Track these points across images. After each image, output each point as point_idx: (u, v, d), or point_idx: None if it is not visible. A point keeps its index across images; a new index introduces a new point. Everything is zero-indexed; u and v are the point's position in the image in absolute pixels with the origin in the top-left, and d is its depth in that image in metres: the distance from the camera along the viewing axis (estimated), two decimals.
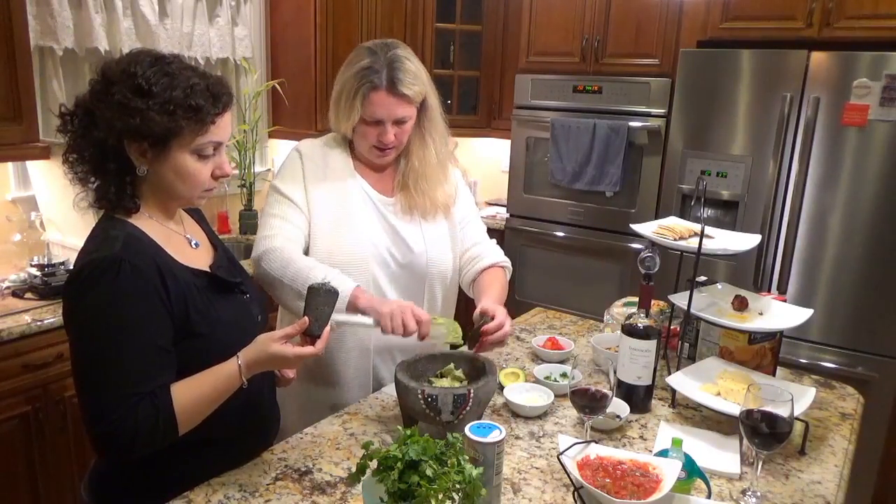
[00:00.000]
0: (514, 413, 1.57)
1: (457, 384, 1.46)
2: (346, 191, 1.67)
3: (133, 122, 1.13)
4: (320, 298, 1.22)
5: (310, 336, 1.22)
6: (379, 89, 1.56)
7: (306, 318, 1.21)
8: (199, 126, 1.18)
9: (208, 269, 1.30)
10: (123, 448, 1.14)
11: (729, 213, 2.99)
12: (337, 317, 1.36)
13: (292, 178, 1.67)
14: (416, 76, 1.60)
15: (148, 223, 1.24)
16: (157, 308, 1.16)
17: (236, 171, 3.26)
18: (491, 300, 1.63)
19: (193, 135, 1.18)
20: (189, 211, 1.41)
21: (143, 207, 1.24)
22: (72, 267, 1.23)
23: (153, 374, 1.15)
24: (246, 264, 1.61)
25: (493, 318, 1.55)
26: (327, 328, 1.23)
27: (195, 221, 1.42)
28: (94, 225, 1.25)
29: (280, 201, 1.64)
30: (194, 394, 1.18)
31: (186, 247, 1.31)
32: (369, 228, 1.66)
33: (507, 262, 1.84)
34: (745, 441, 1.26)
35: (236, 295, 1.34)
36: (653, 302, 1.70)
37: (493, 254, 1.82)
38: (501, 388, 1.62)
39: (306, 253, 1.62)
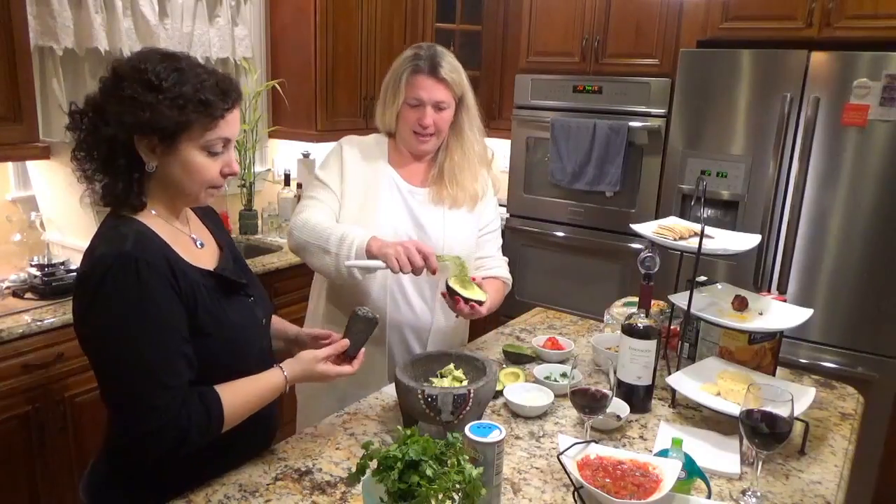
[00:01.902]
0: (514, 413, 1.57)
1: (457, 384, 1.46)
2: (377, 179, 1.80)
3: (143, 116, 1.13)
4: (360, 325, 1.38)
5: (346, 356, 1.37)
6: (421, 71, 1.72)
7: (346, 340, 1.37)
8: (209, 120, 1.18)
9: (213, 270, 1.30)
10: (174, 444, 1.16)
11: (729, 213, 2.99)
12: (349, 262, 1.58)
13: (330, 167, 1.82)
14: (456, 69, 1.77)
15: (155, 221, 1.24)
16: (175, 301, 1.18)
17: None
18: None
19: (202, 129, 1.18)
20: (201, 210, 1.41)
21: (149, 205, 1.24)
22: (79, 265, 1.22)
23: (183, 366, 1.18)
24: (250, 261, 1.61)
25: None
26: (362, 350, 1.39)
27: (201, 222, 1.42)
28: (100, 223, 1.25)
29: (316, 185, 1.82)
30: (240, 398, 1.25)
31: (192, 246, 1.31)
32: (392, 215, 1.78)
33: (509, 279, 1.95)
34: (745, 441, 1.26)
35: (241, 297, 1.35)
36: (653, 302, 1.70)
37: (499, 268, 1.94)
38: (501, 388, 1.62)
39: None
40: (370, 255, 1.57)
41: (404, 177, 1.83)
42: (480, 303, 1.65)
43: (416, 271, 1.54)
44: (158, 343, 1.15)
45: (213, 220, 1.46)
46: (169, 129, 1.15)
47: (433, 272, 1.57)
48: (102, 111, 1.16)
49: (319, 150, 3.59)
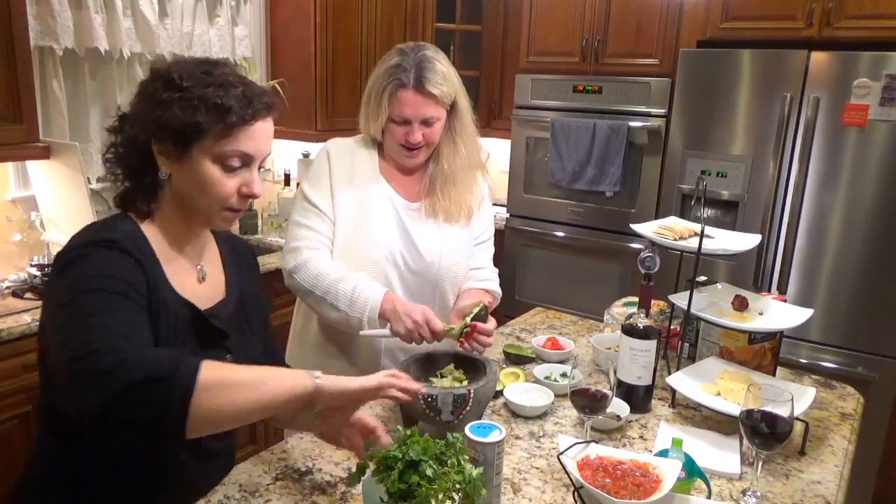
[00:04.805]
0: (514, 413, 1.57)
1: (457, 384, 1.46)
2: (369, 195, 1.67)
3: (155, 114, 1.08)
4: None
5: None
6: (406, 88, 1.57)
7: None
8: (223, 129, 1.08)
9: (199, 308, 1.17)
10: (127, 384, 0.89)
11: (729, 213, 2.99)
12: (363, 333, 1.54)
13: (319, 181, 1.68)
14: (446, 77, 1.60)
15: (155, 234, 1.15)
16: (141, 303, 1.05)
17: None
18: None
19: (215, 138, 1.09)
20: (230, 245, 1.33)
21: (159, 218, 1.16)
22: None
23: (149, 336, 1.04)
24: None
25: (487, 310, 1.54)
26: None
27: (222, 257, 1.30)
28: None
29: (306, 209, 1.66)
30: (228, 371, 0.99)
31: (190, 276, 1.20)
32: (386, 233, 1.67)
33: (498, 293, 1.84)
34: (745, 441, 1.26)
35: (216, 351, 1.19)
36: (653, 302, 1.70)
37: (488, 280, 1.82)
38: (501, 388, 1.62)
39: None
40: (382, 318, 1.53)
41: (398, 190, 1.71)
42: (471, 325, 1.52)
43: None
44: (122, 308, 1.01)
45: (239, 260, 1.34)
46: (179, 130, 1.07)
47: (439, 340, 1.53)
48: (130, 112, 1.14)
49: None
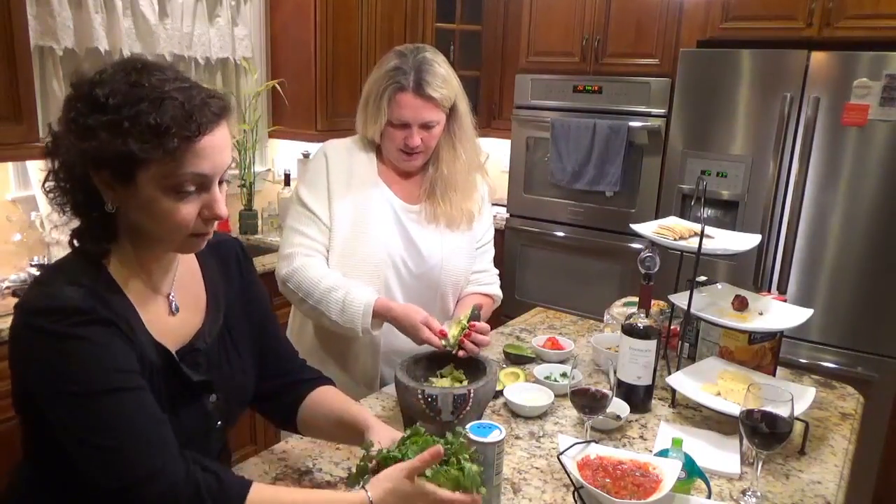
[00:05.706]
0: (514, 413, 1.57)
1: (457, 384, 1.46)
2: (369, 198, 1.65)
3: (84, 145, 0.90)
4: None
5: None
6: (406, 91, 1.55)
7: (440, 448, 1.05)
8: (164, 155, 0.90)
9: (174, 352, 1.05)
10: None
11: (729, 213, 2.99)
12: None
13: (316, 185, 1.65)
14: (445, 80, 1.59)
15: (119, 271, 1.01)
16: (143, 384, 0.96)
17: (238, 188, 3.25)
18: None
19: (160, 165, 0.91)
20: (220, 255, 1.19)
21: (117, 251, 1.01)
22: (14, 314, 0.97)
23: (168, 432, 0.96)
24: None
25: (480, 311, 1.54)
26: None
27: (201, 267, 1.17)
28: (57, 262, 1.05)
29: (301, 214, 1.64)
30: (281, 495, 1.01)
31: (163, 312, 1.06)
32: (386, 236, 1.65)
33: (499, 296, 1.85)
34: (745, 441, 1.26)
35: (197, 398, 1.08)
36: (653, 302, 1.70)
37: (490, 284, 1.83)
38: (501, 388, 1.62)
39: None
40: (381, 317, 1.54)
41: (398, 194, 1.69)
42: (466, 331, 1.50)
43: None
44: (132, 399, 0.93)
45: (225, 269, 1.20)
46: (113, 162, 0.91)
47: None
48: (60, 134, 0.96)
49: None
